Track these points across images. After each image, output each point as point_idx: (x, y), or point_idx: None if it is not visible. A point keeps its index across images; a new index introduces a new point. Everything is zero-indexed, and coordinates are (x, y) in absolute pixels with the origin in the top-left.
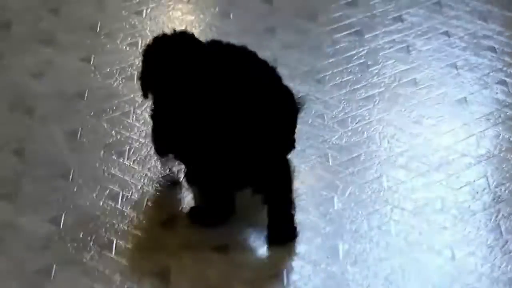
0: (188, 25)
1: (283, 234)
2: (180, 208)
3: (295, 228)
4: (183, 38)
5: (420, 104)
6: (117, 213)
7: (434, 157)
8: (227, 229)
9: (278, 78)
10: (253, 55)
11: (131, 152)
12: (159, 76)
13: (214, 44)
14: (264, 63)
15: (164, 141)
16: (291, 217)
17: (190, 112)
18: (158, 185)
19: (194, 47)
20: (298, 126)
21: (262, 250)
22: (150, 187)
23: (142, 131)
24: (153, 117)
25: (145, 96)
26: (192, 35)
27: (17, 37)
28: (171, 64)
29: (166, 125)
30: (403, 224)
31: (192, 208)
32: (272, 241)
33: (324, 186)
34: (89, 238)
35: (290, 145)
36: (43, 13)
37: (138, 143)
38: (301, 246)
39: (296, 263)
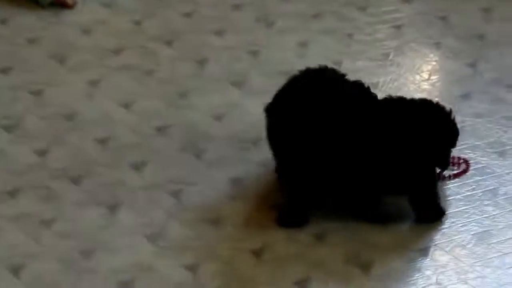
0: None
1: (429, 216)
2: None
3: (440, 210)
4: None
5: None
6: (258, 268)
7: None
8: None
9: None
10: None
11: None
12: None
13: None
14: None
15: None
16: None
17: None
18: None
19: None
20: (464, 197)
21: None
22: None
23: None
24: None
25: None
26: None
27: (210, 76)
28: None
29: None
30: None
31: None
32: (419, 221)
33: (472, 263)
34: None
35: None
36: (241, 53)
37: None
38: None
39: None
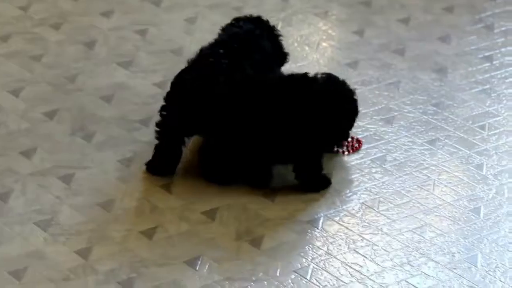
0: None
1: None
2: None
3: (326, 179)
4: None
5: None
6: (150, 248)
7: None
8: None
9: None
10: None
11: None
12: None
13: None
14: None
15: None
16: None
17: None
18: None
19: None
20: (352, 165)
21: None
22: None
23: None
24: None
25: None
26: None
27: (98, 57)
28: None
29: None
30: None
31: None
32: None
33: (361, 231)
34: (111, 273)
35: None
36: (129, 33)
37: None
38: None
39: None
